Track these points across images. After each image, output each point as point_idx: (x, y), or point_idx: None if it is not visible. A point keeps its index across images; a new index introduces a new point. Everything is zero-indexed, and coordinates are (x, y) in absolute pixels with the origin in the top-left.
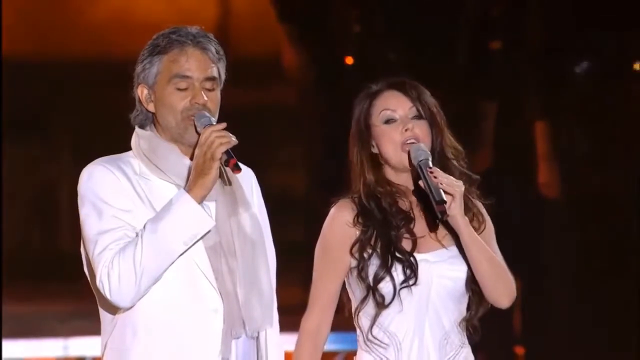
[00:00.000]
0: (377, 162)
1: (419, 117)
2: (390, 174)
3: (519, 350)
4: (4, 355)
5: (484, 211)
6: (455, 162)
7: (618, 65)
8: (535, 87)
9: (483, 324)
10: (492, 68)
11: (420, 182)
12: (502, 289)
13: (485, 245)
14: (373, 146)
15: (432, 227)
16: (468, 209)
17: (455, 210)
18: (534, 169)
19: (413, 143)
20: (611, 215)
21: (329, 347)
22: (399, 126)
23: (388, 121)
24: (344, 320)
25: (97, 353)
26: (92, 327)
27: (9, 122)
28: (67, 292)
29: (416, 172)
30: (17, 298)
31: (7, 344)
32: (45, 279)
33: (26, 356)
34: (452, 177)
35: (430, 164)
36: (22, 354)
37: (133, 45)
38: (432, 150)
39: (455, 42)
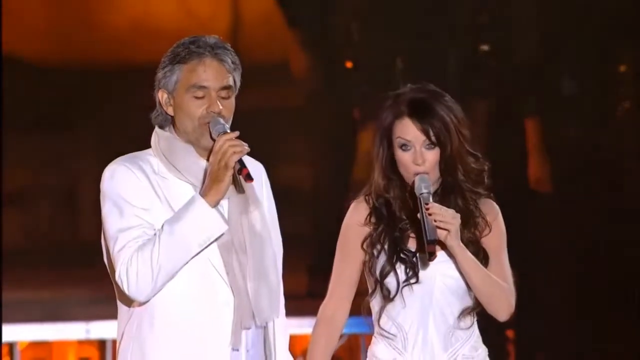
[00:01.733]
0: (392, 170)
1: (431, 145)
2: (395, 186)
3: (510, 333)
4: (31, 339)
5: (492, 218)
6: (464, 183)
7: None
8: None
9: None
10: (482, 70)
11: (418, 215)
12: (497, 306)
13: (479, 267)
14: (391, 155)
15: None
16: (476, 223)
17: (451, 242)
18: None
19: (421, 175)
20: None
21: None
22: (412, 155)
23: (403, 147)
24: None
25: (116, 337)
26: (112, 312)
27: (37, 121)
28: (89, 279)
29: (415, 200)
30: (42, 285)
31: (33, 327)
32: (68, 267)
33: (51, 339)
34: (449, 212)
35: (430, 199)
36: (48, 337)
37: (151, 50)
38: (442, 173)
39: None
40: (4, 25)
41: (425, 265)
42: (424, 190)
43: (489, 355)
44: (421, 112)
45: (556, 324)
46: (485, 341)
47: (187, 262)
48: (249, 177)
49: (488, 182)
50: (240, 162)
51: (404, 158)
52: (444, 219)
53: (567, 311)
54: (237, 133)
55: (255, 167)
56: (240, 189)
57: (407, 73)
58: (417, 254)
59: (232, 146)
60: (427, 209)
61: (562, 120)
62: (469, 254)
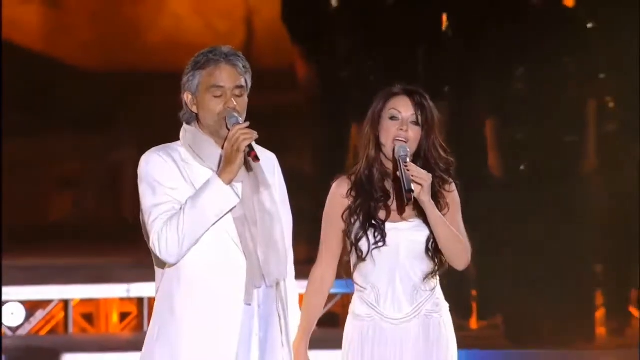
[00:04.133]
0: (379, 144)
1: (416, 123)
2: (382, 158)
3: (474, 292)
4: (82, 297)
5: (452, 197)
6: (436, 164)
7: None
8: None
9: (449, 274)
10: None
11: (397, 173)
12: (456, 256)
13: (445, 222)
14: (379, 132)
15: (404, 204)
16: (439, 200)
17: (423, 196)
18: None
19: (401, 141)
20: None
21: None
22: (398, 124)
23: (392, 118)
24: (342, 270)
25: (152, 294)
26: (148, 275)
27: (86, 119)
28: (128, 248)
29: (396, 164)
30: (91, 253)
31: (83, 287)
32: (112, 238)
33: (98, 297)
34: (423, 171)
35: (408, 160)
36: (95, 295)
37: (181, 60)
38: (419, 151)
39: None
40: (62, 38)
41: (393, 230)
42: (403, 153)
43: (457, 309)
44: (415, 95)
45: (514, 284)
46: (453, 298)
47: (207, 230)
48: (256, 158)
49: (453, 173)
50: (250, 146)
51: (391, 126)
52: (420, 175)
53: (525, 275)
54: (247, 124)
55: (268, 157)
56: (250, 170)
57: (385, 76)
58: (386, 223)
59: (243, 134)
60: (406, 167)
61: (515, 119)
62: (437, 210)
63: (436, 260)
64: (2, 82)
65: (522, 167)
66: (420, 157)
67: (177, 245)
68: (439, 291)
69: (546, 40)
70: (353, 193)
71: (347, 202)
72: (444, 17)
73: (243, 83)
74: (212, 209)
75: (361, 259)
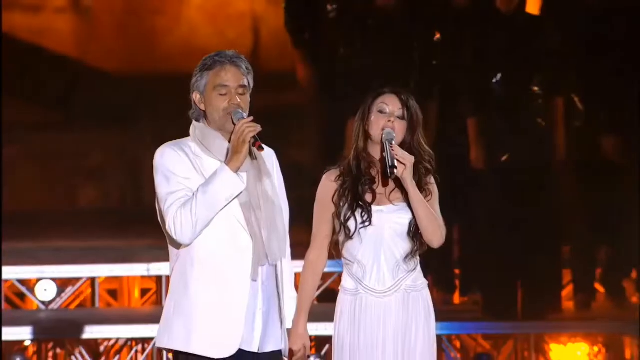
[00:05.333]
0: (367, 136)
1: (402, 117)
2: (370, 147)
3: (457, 271)
4: (107, 275)
5: (432, 187)
6: (420, 157)
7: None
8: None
9: (433, 253)
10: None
11: (383, 154)
12: (432, 234)
13: (424, 201)
14: (367, 124)
15: (389, 189)
16: (422, 186)
17: (405, 175)
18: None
19: (388, 129)
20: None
21: (326, 270)
22: (385, 117)
23: (381, 111)
24: (333, 250)
25: (168, 273)
26: (166, 256)
27: (110, 117)
28: (147, 232)
29: (382, 147)
30: (115, 236)
31: (108, 266)
32: (133, 223)
33: (121, 275)
34: (406, 153)
35: (393, 142)
36: (119, 273)
37: (194, 64)
38: (403, 144)
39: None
40: (90, 44)
41: (378, 212)
42: (389, 137)
43: (442, 287)
44: (401, 93)
45: (492, 265)
46: (439, 277)
47: (217, 214)
48: (260, 148)
49: (434, 166)
50: (254, 137)
51: (380, 118)
52: (403, 156)
53: (502, 256)
54: (252, 118)
55: (268, 153)
56: (254, 159)
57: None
58: (372, 205)
59: (249, 127)
60: (392, 148)
61: (494, 118)
62: (418, 190)
63: (416, 241)
64: (1, 80)
65: (503, 158)
66: (405, 150)
67: (191, 228)
68: (418, 271)
69: (518, 46)
70: (342, 178)
71: (336, 187)
72: (434, 26)
73: (246, 83)
74: (223, 194)
75: (349, 237)
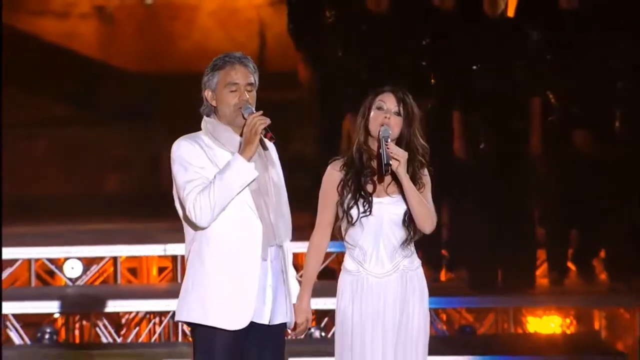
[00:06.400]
0: (368, 131)
1: (398, 114)
2: (370, 141)
3: (444, 252)
4: (127, 254)
5: (426, 179)
6: (416, 150)
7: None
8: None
9: (424, 235)
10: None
11: (380, 150)
12: (424, 221)
13: (417, 192)
14: (367, 120)
15: (386, 182)
16: (416, 179)
17: (399, 170)
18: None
19: (385, 125)
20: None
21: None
22: (383, 113)
23: (379, 108)
24: (337, 233)
25: (184, 253)
26: (181, 238)
27: (130, 113)
28: (165, 216)
29: (379, 143)
30: (136, 219)
31: (129, 247)
32: (152, 208)
33: (140, 255)
34: (400, 149)
35: (389, 140)
36: (138, 253)
37: (206, 64)
38: (401, 139)
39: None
40: (113, 47)
41: (378, 203)
42: (385, 134)
43: (431, 265)
44: (398, 92)
45: (476, 246)
46: (429, 256)
47: (233, 199)
48: (272, 138)
49: (427, 159)
50: (265, 129)
51: (378, 115)
52: (397, 152)
53: (484, 238)
54: (262, 111)
55: (268, 145)
56: (265, 149)
57: (373, 77)
58: (372, 197)
59: (260, 119)
60: (387, 145)
61: (476, 113)
62: (411, 182)
63: (410, 229)
64: (1, 76)
65: (481, 150)
66: (403, 144)
67: (209, 212)
68: (414, 254)
69: (499, 47)
70: (345, 170)
71: (340, 176)
72: (422, 29)
73: (253, 81)
74: (237, 181)
75: (351, 224)
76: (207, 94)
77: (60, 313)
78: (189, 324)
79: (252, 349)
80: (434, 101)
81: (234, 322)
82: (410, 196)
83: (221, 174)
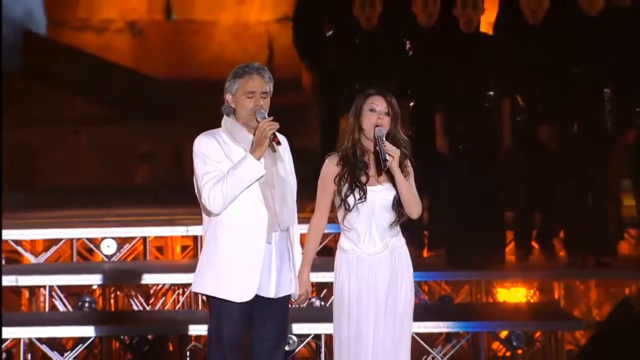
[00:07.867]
0: (361, 129)
1: (387, 114)
2: (363, 139)
3: (425, 232)
4: (155, 235)
5: (409, 169)
6: (400, 144)
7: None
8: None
9: (408, 218)
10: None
11: (377, 148)
12: (411, 207)
13: (406, 182)
14: (361, 120)
15: (378, 173)
16: (403, 168)
17: (394, 164)
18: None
19: (379, 126)
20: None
21: (325, 231)
22: (376, 115)
23: (372, 110)
24: (335, 217)
25: (202, 234)
26: (201, 220)
27: (157, 114)
28: (186, 202)
29: (375, 141)
30: (162, 205)
31: (156, 229)
32: (175, 196)
33: (166, 235)
34: (394, 147)
35: (384, 139)
36: (164, 234)
37: (224, 72)
38: (388, 134)
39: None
40: (142, 57)
41: (371, 191)
42: (381, 134)
43: (414, 244)
44: (386, 95)
45: (453, 227)
46: (412, 236)
47: (242, 192)
48: (278, 143)
49: (409, 151)
50: (274, 134)
51: (371, 116)
52: (392, 150)
53: (461, 221)
54: (272, 118)
55: (282, 138)
56: (273, 149)
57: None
58: (367, 185)
59: (269, 124)
60: (383, 143)
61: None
62: (402, 174)
63: (398, 213)
64: (1, 76)
65: (460, 147)
66: (389, 139)
67: (222, 201)
68: (400, 234)
69: (475, 57)
70: (342, 164)
71: (337, 170)
72: (407, 42)
73: (268, 89)
74: (247, 177)
75: (348, 210)
76: (228, 97)
77: (97, 285)
78: (203, 294)
79: (259, 317)
80: (414, 101)
81: (241, 294)
82: (401, 186)
83: (233, 170)
